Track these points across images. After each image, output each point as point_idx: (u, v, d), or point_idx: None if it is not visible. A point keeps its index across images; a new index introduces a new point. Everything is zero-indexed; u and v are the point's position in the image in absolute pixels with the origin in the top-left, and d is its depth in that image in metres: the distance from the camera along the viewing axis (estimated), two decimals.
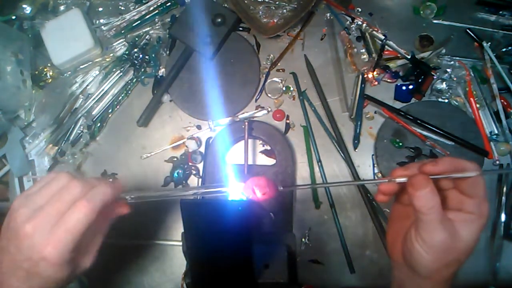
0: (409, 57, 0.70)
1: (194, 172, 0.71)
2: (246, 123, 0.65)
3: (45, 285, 0.42)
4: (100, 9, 0.78)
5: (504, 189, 0.66)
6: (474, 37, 0.71)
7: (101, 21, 0.77)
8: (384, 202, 0.45)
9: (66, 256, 0.40)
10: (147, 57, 0.75)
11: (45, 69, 0.76)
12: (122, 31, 0.77)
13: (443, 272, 0.41)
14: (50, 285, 0.42)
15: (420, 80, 0.70)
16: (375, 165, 0.69)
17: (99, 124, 0.74)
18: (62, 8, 0.78)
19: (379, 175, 0.69)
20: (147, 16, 0.76)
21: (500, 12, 0.72)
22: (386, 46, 0.72)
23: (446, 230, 0.39)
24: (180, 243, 0.67)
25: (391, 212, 0.49)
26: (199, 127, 0.73)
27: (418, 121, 0.67)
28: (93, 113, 0.74)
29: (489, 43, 0.70)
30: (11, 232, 0.41)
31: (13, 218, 0.41)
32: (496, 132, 0.68)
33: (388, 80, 0.72)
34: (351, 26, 0.73)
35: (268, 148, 0.70)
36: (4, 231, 0.42)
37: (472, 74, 0.71)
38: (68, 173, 0.44)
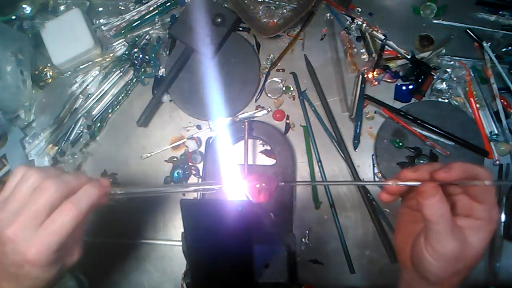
0: (409, 57, 0.70)
1: (194, 172, 0.71)
2: (246, 123, 0.65)
3: (35, 285, 0.42)
4: (100, 9, 0.78)
5: (504, 189, 0.66)
6: (474, 37, 0.71)
7: (101, 21, 0.77)
8: (388, 202, 0.44)
9: (51, 257, 0.40)
10: (147, 57, 0.75)
11: (45, 69, 0.76)
12: (122, 31, 0.77)
13: (453, 279, 0.41)
14: (40, 284, 0.42)
15: (420, 80, 0.69)
16: (375, 165, 0.69)
17: (99, 124, 0.74)
18: (62, 8, 0.78)
19: (379, 175, 0.69)
20: (147, 16, 0.76)
21: (500, 12, 0.72)
22: (386, 46, 0.72)
23: (456, 239, 0.38)
24: (180, 243, 0.67)
25: (398, 216, 0.48)
26: (199, 127, 0.73)
27: (418, 121, 0.67)
28: (93, 113, 0.74)
29: (489, 43, 0.70)
30: None
31: None
32: (496, 132, 0.68)
33: (388, 80, 0.72)
34: (351, 26, 0.73)
35: (268, 148, 0.70)
36: None
37: (472, 74, 0.71)
38: (34, 169, 0.42)
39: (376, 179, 0.69)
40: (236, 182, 0.48)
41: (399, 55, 0.72)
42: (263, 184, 0.46)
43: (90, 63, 0.75)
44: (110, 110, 0.74)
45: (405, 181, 0.41)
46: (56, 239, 0.40)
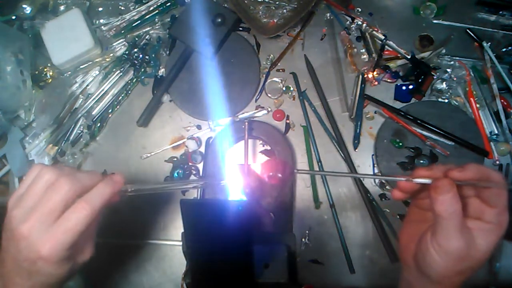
0: (409, 57, 0.70)
1: (194, 172, 0.71)
2: (246, 123, 0.65)
3: (47, 281, 0.42)
4: (100, 9, 0.78)
5: None
6: (474, 37, 0.71)
7: (101, 21, 0.77)
8: (400, 199, 0.45)
9: (64, 254, 0.41)
10: (147, 57, 0.75)
11: (45, 69, 0.76)
12: (122, 31, 0.77)
13: (454, 278, 0.41)
14: (52, 281, 0.43)
15: (420, 80, 0.69)
16: (375, 165, 0.69)
17: (99, 124, 0.74)
18: (62, 8, 0.78)
19: (379, 175, 0.69)
20: (147, 16, 0.77)
21: (500, 12, 0.72)
22: (386, 46, 0.72)
23: (463, 238, 0.39)
24: (180, 243, 0.66)
25: (407, 214, 0.49)
26: (199, 127, 0.73)
27: (418, 121, 0.67)
28: (93, 113, 0.74)
29: (489, 43, 0.70)
30: (9, 233, 0.42)
31: (9, 219, 0.42)
32: (496, 132, 0.68)
33: (388, 80, 0.72)
34: (351, 26, 0.73)
35: (268, 148, 0.70)
36: (4, 231, 0.43)
37: (472, 74, 0.71)
38: (49, 167, 0.43)
39: (377, 179, 0.69)
40: (239, 179, 0.48)
41: (399, 55, 0.72)
42: (279, 170, 0.46)
43: (90, 63, 0.75)
44: (110, 110, 0.74)
45: (417, 178, 0.42)
46: (69, 236, 0.40)
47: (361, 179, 0.68)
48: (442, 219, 0.39)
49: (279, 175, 0.46)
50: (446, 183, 0.39)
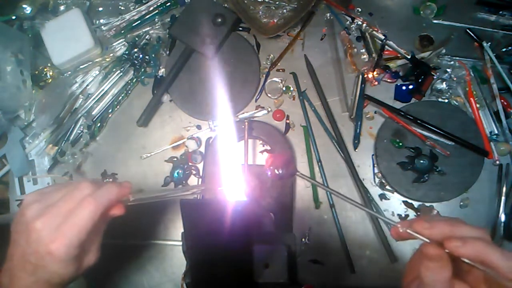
0: (409, 57, 0.70)
1: (194, 172, 0.71)
2: (246, 123, 0.65)
3: (51, 279, 0.43)
4: (100, 9, 0.78)
5: (504, 189, 0.66)
6: (474, 37, 0.71)
7: (101, 21, 0.77)
8: (396, 240, 0.42)
9: (72, 252, 0.41)
10: (147, 57, 0.75)
11: (45, 69, 0.76)
12: (122, 31, 0.77)
13: None
14: (56, 280, 0.43)
15: (420, 80, 0.69)
16: (375, 165, 0.69)
17: (99, 124, 0.74)
18: (62, 8, 0.78)
19: (379, 175, 0.69)
20: (147, 16, 0.76)
21: (500, 12, 0.72)
22: (386, 46, 0.72)
23: None
24: (180, 243, 0.66)
25: (414, 255, 0.45)
26: (199, 127, 0.73)
27: (418, 121, 0.67)
28: (93, 113, 0.74)
29: (489, 43, 0.70)
30: (22, 226, 0.42)
31: (24, 212, 0.42)
32: (496, 132, 0.68)
33: (388, 80, 0.72)
34: (351, 26, 0.73)
35: (268, 148, 0.70)
36: (15, 225, 0.44)
37: (472, 74, 0.71)
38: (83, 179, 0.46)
39: (376, 179, 0.69)
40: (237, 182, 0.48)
41: (399, 55, 0.72)
42: (281, 169, 0.47)
43: (90, 63, 0.75)
44: (110, 110, 0.74)
45: (415, 232, 0.39)
46: (76, 232, 0.41)
47: (362, 179, 0.69)
48: (425, 283, 0.37)
49: (280, 171, 0.46)
50: (435, 253, 0.36)
